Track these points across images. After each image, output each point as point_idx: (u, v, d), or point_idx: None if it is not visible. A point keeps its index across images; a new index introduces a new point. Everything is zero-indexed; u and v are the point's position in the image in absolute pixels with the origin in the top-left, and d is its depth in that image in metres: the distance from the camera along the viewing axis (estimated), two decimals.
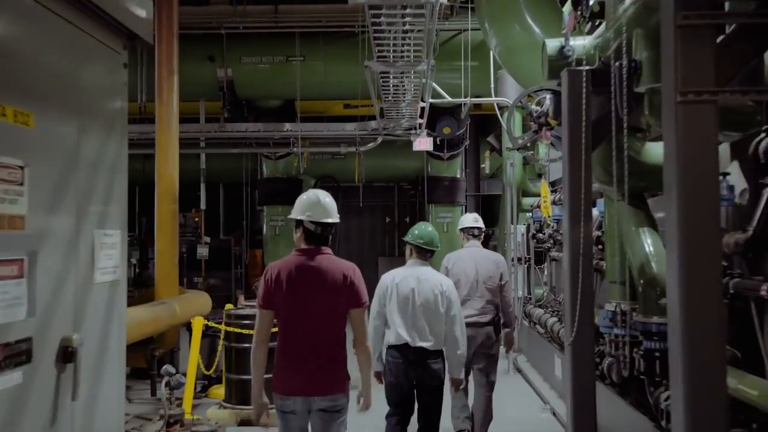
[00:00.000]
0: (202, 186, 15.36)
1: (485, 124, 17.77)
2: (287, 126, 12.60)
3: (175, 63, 8.60)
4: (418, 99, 10.11)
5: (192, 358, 6.63)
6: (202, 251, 15.35)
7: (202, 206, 15.45)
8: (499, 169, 17.06)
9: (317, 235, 3.78)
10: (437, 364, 4.75)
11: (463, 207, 15.87)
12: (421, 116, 11.18)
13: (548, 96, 5.73)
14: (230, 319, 6.77)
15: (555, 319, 7.83)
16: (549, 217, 7.63)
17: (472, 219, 6.19)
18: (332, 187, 18.15)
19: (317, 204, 3.81)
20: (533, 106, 6.00)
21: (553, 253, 8.78)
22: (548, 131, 5.99)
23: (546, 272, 9.92)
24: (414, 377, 4.72)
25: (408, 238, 4.92)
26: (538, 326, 9.07)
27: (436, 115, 13.48)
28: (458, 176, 15.44)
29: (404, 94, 9.70)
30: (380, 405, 4.59)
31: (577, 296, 4.51)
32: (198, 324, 6.74)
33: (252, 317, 5.66)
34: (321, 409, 3.66)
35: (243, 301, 8.29)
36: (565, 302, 4.76)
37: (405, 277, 4.79)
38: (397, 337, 4.70)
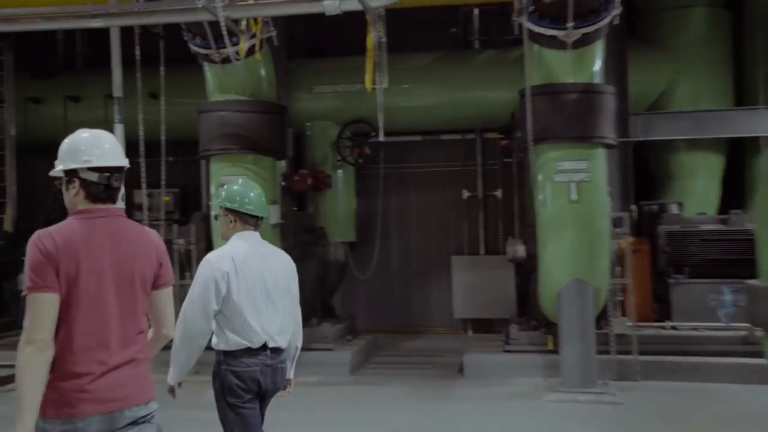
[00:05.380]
0: None
1: (634, 16, 10.04)
2: None
3: None
4: None
5: None
6: None
7: None
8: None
9: (107, 187, 2.76)
10: (286, 365, 4.00)
11: (605, 152, 8.13)
12: None
13: None
14: None
15: None
16: None
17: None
18: (370, 141, 10.88)
19: (98, 143, 2.79)
20: None
21: None
22: None
23: None
24: (269, 386, 3.81)
25: (225, 202, 3.78)
26: None
27: None
28: (596, 82, 7.64)
29: None
30: None
31: None
32: None
33: None
34: (135, 422, 2.77)
35: None
36: None
37: (247, 257, 3.73)
38: (251, 339, 3.70)
